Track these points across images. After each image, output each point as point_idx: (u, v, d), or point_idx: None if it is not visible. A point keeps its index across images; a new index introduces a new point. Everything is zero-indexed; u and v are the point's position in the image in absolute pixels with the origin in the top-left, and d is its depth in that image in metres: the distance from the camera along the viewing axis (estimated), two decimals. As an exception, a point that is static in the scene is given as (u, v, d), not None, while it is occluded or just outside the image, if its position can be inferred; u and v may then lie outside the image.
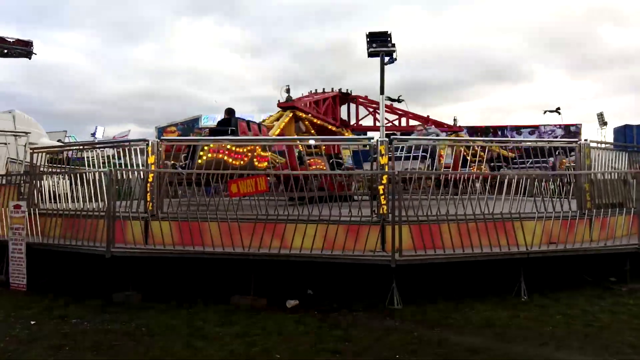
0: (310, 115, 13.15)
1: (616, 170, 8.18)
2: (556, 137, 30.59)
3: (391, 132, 14.10)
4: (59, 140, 23.18)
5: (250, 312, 5.87)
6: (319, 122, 13.70)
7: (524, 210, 6.87)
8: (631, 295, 6.60)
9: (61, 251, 7.24)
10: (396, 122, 15.84)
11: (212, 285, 6.71)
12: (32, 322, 5.62)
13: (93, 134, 36.57)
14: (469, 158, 9.11)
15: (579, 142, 7.73)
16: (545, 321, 5.54)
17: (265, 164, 8.66)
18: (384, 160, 6.78)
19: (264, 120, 13.15)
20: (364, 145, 10.31)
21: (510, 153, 10.65)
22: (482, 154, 8.37)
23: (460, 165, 9.34)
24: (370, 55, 10.88)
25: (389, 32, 10.71)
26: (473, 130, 29.42)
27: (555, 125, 32.66)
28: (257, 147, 8.34)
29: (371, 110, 16.15)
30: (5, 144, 11.54)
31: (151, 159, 7.14)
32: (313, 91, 16.63)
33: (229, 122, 9.13)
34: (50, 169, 9.13)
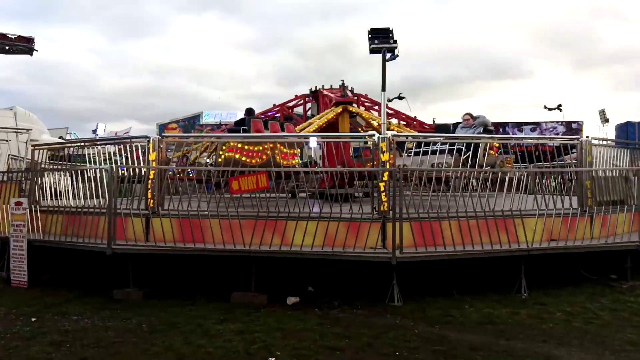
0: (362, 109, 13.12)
1: (617, 168, 8.16)
2: (558, 134, 30.50)
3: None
4: (60, 137, 23.19)
5: (250, 309, 5.88)
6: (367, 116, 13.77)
7: (525, 208, 6.86)
8: (632, 293, 6.60)
9: (62, 248, 7.26)
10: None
11: (213, 282, 6.72)
12: (33, 319, 5.64)
13: (94, 131, 36.57)
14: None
15: (580, 140, 7.70)
16: (545, 318, 5.54)
17: (295, 161, 8.58)
18: (385, 157, 6.77)
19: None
20: (365, 142, 10.29)
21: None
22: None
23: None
24: (372, 51, 10.81)
25: (390, 29, 10.65)
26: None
27: (557, 122, 32.57)
28: (279, 145, 8.34)
29: (367, 106, 16.11)
30: (7, 140, 11.57)
31: (152, 156, 7.14)
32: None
33: (243, 122, 9.32)
34: (51, 166, 9.14)
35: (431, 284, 6.54)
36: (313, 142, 10.83)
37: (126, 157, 7.41)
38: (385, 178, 6.58)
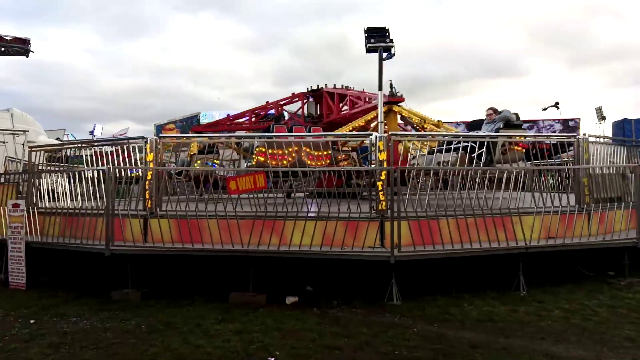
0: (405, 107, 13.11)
1: (614, 165, 8.18)
2: (555, 131, 30.56)
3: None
4: (57, 139, 23.13)
5: (249, 309, 5.87)
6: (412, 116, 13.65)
7: (523, 206, 6.88)
8: (629, 289, 6.62)
9: (60, 249, 7.24)
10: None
11: (211, 282, 6.71)
12: (32, 321, 5.62)
13: (91, 132, 36.51)
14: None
15: (577, 137, 7.72)
16: (544, 316, 5.55)
17: (327, 162, 8.58)
18: (382, 156, 6.77)
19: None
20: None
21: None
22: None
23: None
24: (369, 50, 10.83)
25: (387, 28, 10.67)
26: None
27: (553, 120, 32.64)
28: (305, 148, 8.43)
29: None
30: (4, 142, 11.52)
31: (149, 157, 7.14)
32: (310, 88, 16.57)
33: (269, 129, 9.63)
34: (48, 168, 9.11)
35: (430, 283, 6.55)
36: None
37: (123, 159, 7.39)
38: (383, 177, 6.59)
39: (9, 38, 24.38)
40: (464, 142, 8.05)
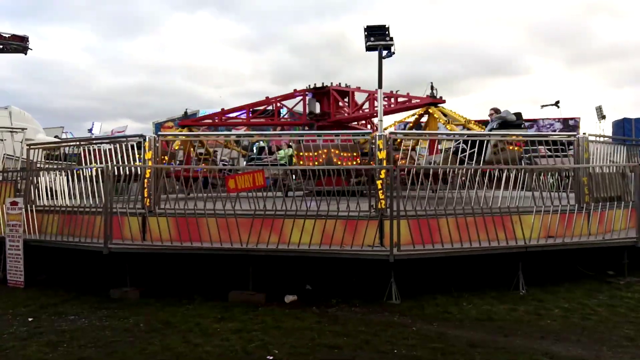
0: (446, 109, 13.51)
1: (614, 164, 8.18)
2: (555, 130, 30.55)
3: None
4: (55, 136, 23.08)
5: (248, 308, 5.86)
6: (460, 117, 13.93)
7: (523, 205, 6.87)
8: (629, 289, 6.62)
9: (58, 248, 7.22)
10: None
11: (210, 281, 6.70)
12: (30, 319, 5.61)
13: (90, 130, 36.39)
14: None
15: (577, 136, 7.71)
16: (543, 315, 5.55)
17: (355, 162, 8.63)
18: (382, 154, 6.76)
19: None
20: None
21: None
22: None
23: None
24: (369, 49, 10.82)
25: (387, 26, 10.66)
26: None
27: (553, 119, 32.63)
28: (334, 150, 8.54)
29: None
30: (2, 140, 11.49)
31: (148, 155, 7.12)
32: (311, 85, 16.46)
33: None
34: (47, 165, 9.09)
35: (429, 282, 6.54)
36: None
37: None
38: (382, 176, 6.57)
39: (7, 35, 24.30)
40: (461, 141, 8.05)
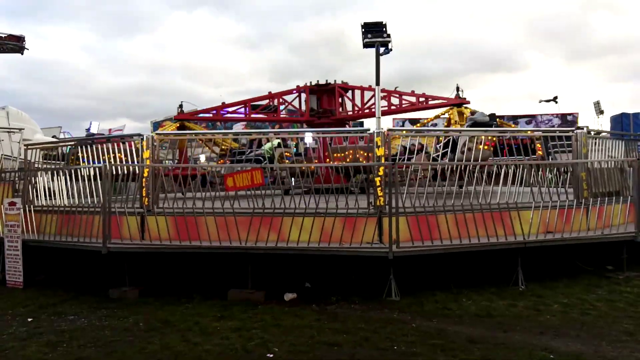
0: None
1: (613, 159, 8.18)
2: (553, 126, 30.57)
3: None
4: (53, 136, 23.01)
5: (247, 306, 5.86)
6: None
7: (521, 200, 6.86)
8: (628, 283, 6.63)
9: (57, 248, 7.21)
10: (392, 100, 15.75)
11: (210, 279, 6.69)
12: (29, 319, 5.61)
13: (88, 130, 36.30)
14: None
15: (575, 131, 7.71)
16: (542, 310, 5.56)
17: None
18: (380, 151, 6.75)
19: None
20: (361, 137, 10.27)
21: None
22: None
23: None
24: (366, 46, 10.81)
25: (384, 23, 10.64)
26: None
27: (552, 115, 32.64)
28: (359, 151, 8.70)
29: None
30: (-1, 140, 11.45)
31: (146, 154, 7.10)
32: (309, 83, 16.38)
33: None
34: (44, 165, 9.06)
35: (428, 278, 6.54)
36: (308, 137, 10.80)
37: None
38: (381, 173, 6.57)
39: (3, 35, 24.20)
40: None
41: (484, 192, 6.73)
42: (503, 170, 7.01)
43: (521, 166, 7.63)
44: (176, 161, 10.98)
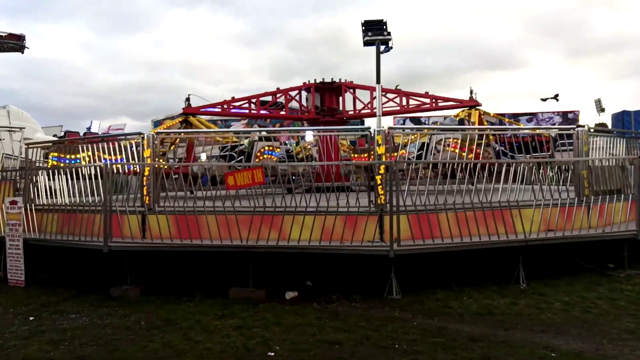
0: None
1: (614, 157, 8.17)
2: (554, 124, 30.51)
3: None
4: (54, 135, 23.02)
5: (249, 305, 5.86)
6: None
7: (522, 198, 6.86)
8: (629, 281, 6.63)
9: (58, 246, 7.22)
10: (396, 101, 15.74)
11: (211, 278, 6.70)
12: (31, 318, 5.62)
13: (89, 128, 36.30)
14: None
15: (576, 129, 7.69)
16: (543, 308, 5.56)
17: None
18: (381, 150, 6.75)
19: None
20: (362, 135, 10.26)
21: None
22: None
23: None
24: (366, 44, 10.78)
25: (384, 20, 10.61)
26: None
27: (552, 113, 32.58)
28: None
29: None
30: (0, 139, 11.46)
31: (147, 152, 7.11)
32: (310, 81, 16.33)
33: None
34: (45, 164, 9.07)
35: (429, 277, 6.54)
36: (309, 136, 10.79)
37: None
38: (382, 171, 6.57)
39: (3, 34, 24.19)
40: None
41: (485, 190, 6.73)
42: (504, 168, 7.01)
43: (522, 164, 7.63)
44: (183, 160, 10.95)
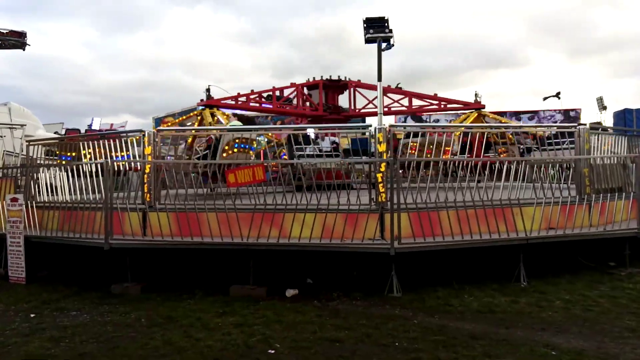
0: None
1: (615, 155, 8.14)
2: (555, 122, 30.44)
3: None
4: (55, 132, 23.03)
5: (249, 302, 5.86)
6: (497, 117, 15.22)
7: (523, 196, 6.84)
8: (630, 280, 6.61)
9: (59, 244, 7.22)
10: (402, 102, 15.75)
11: (211, 275, 6.70)
12: (32, 315, 5.62)
13: (90, 126, 36.31)
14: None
15: (578, 127, 7.67)
16: (544, 306, 5.55)
17: None
18: (382, 147, 6.73)
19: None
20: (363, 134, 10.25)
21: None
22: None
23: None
24: (367, 41, 10.77)
25: (386, 18, 10.60)
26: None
27: (554, 110, 32.51)
28: None
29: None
30: (1, 136, 11.46)
31: (148, 150, 7.10)
32: (312, 78, 16.26)
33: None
34: (47, 161, 9.07)
35: (430, 274, 6.54)
36: (311, 133, 10.78)
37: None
38: (383, 169, 6.55)
39: (5, 31, 24.16)
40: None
41: (485, 188, 6.71)
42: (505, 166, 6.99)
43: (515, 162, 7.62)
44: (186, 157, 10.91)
